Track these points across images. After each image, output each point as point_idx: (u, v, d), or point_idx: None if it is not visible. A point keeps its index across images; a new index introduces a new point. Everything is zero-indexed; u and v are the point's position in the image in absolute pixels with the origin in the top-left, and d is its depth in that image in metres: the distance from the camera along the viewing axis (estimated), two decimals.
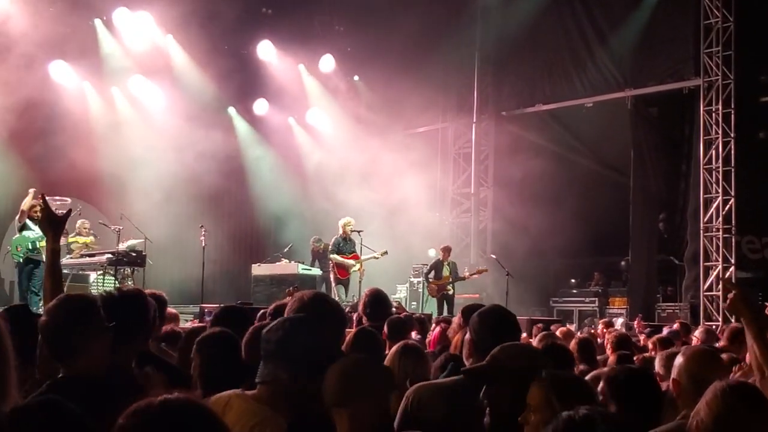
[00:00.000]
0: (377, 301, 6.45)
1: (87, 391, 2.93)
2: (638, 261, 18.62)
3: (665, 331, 9.68)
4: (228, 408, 2.94)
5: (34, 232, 13.60)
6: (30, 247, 13.60)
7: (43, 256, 13.72)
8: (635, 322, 14.19)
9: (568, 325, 11.74)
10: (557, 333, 8.75)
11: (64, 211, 4.56)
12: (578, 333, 10.76)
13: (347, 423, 2.79)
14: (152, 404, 1.88)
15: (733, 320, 9.58)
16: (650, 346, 7.47)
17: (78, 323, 3.26)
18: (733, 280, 16.02)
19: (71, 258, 15.39)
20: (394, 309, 11.31)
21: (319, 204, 20.36)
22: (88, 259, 15.22)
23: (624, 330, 12.79)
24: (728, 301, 3.96)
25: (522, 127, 20.87)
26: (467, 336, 3.93)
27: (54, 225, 4.22)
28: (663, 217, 19.69)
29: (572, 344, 6.80)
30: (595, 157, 20.69)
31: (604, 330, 12.02)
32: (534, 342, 6.61)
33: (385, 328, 5.93)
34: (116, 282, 14.79)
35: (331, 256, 15.80)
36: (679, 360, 3.72)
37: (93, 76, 18.28)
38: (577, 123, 19.95)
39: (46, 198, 4.49)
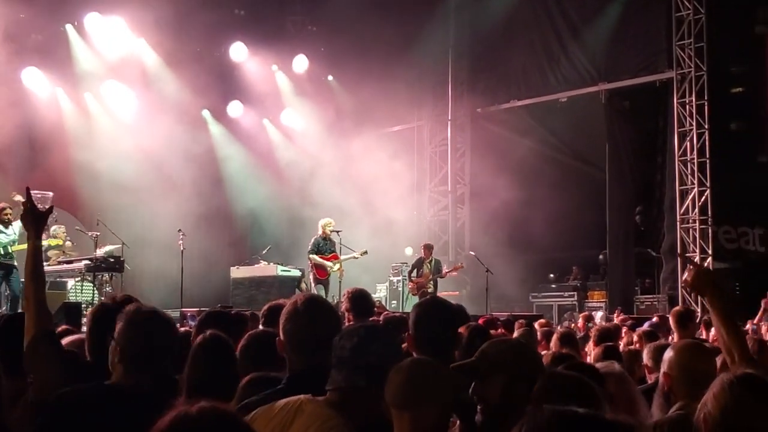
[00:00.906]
0: (360, 298, 6.44)
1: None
2: (616, 254, 18.74)
3: (646, 325, 9.72)
4: (299, 412, 2.91)
5: (6, 235, 13.40)
6: (2, 252, 13.31)
7: (15, 261, 13.59)
8: (615, 315, 14.27)
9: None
10: (536, 326, 8.82)
11: (46, 206, 4.47)
12: (557, 327, 10.83)
13: (408, 426, 2.71)
14: (189, 414, 1.87)
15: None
16: (635, 338, 7.51)
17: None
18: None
19: (48, 265, 15.23)
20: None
21: (296, 205, 20.32)
22: (65, 266, 15.10)
23: (604, 323, 12.86)
24: (689, 277, 3.79)
25: (497, 124, 20.93)
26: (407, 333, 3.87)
27: (36, 220, 4.15)
28: (639, 209, 19.80)
29: (554, 339, 6.83)
30: (571, 151, 20.80)
31: (584, 324, 12.13)
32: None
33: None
34: (95, 288, 14.68)
35: (311, 256, 15.75)
36: (669, 354, 3.77)
37: (65, 82, 18.14)
38: (552, 118, 20.02)
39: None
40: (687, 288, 4.57)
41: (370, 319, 6.17)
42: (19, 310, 11.62)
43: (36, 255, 4.09)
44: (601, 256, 20.07)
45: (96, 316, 3.87)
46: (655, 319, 10.94)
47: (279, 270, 16.56)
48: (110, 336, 3.35)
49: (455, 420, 2.88)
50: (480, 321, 8.41)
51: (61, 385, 3.28)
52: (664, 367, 3.71)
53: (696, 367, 3.60)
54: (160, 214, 18.73)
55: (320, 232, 15.85)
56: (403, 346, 4.08)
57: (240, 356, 3.94)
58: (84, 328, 4.39)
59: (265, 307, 5.25)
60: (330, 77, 21.65)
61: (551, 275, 20.88)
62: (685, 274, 3.94)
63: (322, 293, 15.49)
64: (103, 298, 13.47)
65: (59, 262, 15.30)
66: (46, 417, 3.11)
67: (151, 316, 3.43)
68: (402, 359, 3.00)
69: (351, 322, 6.55)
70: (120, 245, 15.73)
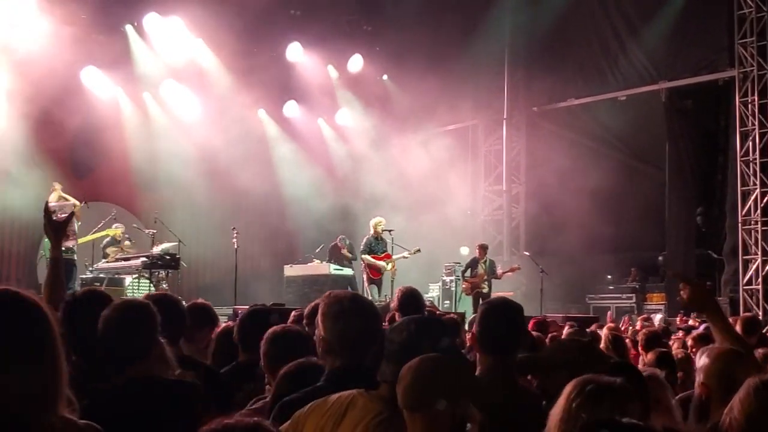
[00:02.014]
0: (410, 297, 6.40)
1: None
2: (676, 256, 18.39)
3: (702, 327, 9.45)
4: (351, 405, 2.90)
5: None
6: (63, 248, 13.61)
7: (75, 256, 13.90)
8: (678, 319, 13.95)
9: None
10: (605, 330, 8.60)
11: (65, 215, 4.53)
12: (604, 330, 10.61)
13: (421, 429, 2.60)
14: (228, 426, 1.90)
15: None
16: (690, 342, 7.31)
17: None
18: None
19: (107, 262, 15.56)
20: (427, 309, 11.24)
21: (350, 204, 20.35)
22: (123, 263, 15.37)
23: (662, 326, 12.59)
24: (686, 294, 3.77)
25: (554, 123, 20.70)
26: (473, 331, 3.84)
27: (56, 231, 4.18)
28: (700, 210, 19.41)
29: (602, 342, 6.67)
30: (630, 151, 20.45)
31: (634, 327, 11.85)
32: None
33: None
34: (151, 285, 14.89)
35: (363, 256, 15.75)
36: (704, 361, 3.54)
37: (125, 82, 18.40)
38: (611, 117, 19.71)
39: (48, 204, 4.43)
40: (685, 306, 4.49)
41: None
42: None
43: (55, 266, 4.12)
44: (660, 258, 19.70)
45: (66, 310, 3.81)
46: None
47: (332, 269, 16.60)
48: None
49: (475, 416, 2.79)
50: (531, 323, 8.34)
51: None
52: (700, 377, 3.50)
53: (737, 377, 3.29)
54: (216, 213, 18.97)
55: (371, 231, 15.86)
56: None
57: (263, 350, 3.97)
58: None
59: (308, 308, 5.23)
60: (385, 76, 21.67)
61: (609, 276, 20.58)
62: (681, 292, 3.83)
63: (375, 293, 15.52)
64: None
65: (117, 259, 15.57)
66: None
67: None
68: (454, 354, 2.98)
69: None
70: (176, 243, 15.95)
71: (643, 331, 7.31)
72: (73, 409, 2.20)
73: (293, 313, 6.39)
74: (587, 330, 8.88)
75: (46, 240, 13.41)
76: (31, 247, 17.07)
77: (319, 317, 3.31)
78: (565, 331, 7.36)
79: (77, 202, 14.36)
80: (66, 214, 4.42)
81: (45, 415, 2.03)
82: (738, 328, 7.18)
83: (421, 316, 3.13)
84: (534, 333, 7.07)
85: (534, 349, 5.43)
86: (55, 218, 4.25)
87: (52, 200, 13.90)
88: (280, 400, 3.23)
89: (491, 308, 3.80)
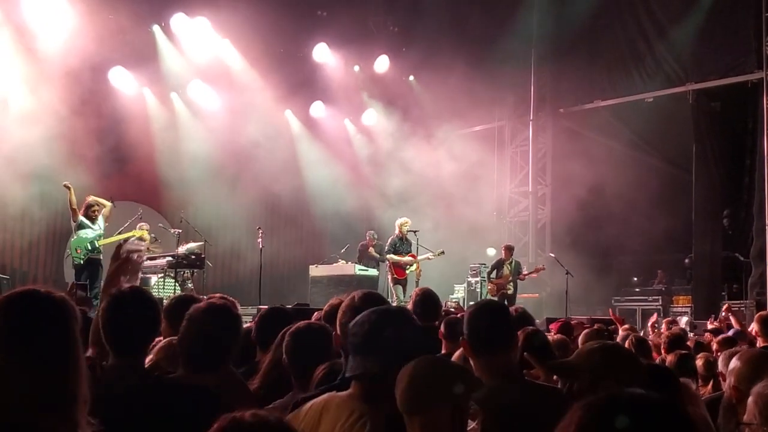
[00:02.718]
0: (424, 298, 6.41)
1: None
2: (702, 258, 18.26)
3: (731, 332, 9.35)
4: (325, 410, 2.88)
5: (93, 230, 13.82)
6: (90, 247, 13.74)
7: (102, 255, 14.01)
8: (708, 322, 13.81)
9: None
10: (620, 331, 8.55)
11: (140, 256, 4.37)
12: (641, 332, 10.54)
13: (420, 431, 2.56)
14: (243, 420, 1.88)
15: None
16: (715, 346, 7.27)
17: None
18: None
19: None
20: (451, 309, 11.24)
21: (375, 204, 20.37)
22: (148, 263, 15.39)
23: (688, 329, 12.50)
24: None
25: (580, 124, 20.62)
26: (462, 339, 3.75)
27: (119, 270, 4.12)
28: (727, 213, 19.25)
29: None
30: (657, 152, 20.32)
31: (667, 329, 11.75)
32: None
33: (442, 328, 5.86)
34: (177, 285, 14.98)
35: (388, 256, 15.77)
36: (735, 363, 3.53)
37: (152, 82, 18.52)
38: (638, 119, 19.59)
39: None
40: None
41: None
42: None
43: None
44: (687, 260, 19.57)
45: None
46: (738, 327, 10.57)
47: (357, 269, 16.62)
48: None
49: (478, 412, 2.76)
50: (555, 325, 8.31)
51: None
52: (731, 379, 3.49)
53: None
54: (242, 213, 19.06)
55: (397, 231, 15.87)
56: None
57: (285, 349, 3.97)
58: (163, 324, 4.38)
59: (326, 306, 5.24)
60: (411, 77, 21.66)
61: (635, 279, 20.47)
62: None
63: (401, 293, 15.52)
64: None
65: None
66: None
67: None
68: (420, 339, 2.94)
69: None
70: (202, 242, 16.02)
71: (666, 333, 7.25)
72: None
73: (315, 315, 6.42)
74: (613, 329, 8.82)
75: (73, 239, 13.70)
76: (58, 246, 17.23)
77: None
78: (583, 333, 7.27)
79: (108, 203, 14.48)
80: (140, 254, 4.22)
81: (56, 417, 2.04)
82: (756, 326, 7.14)
83: (381, 306, 3.05)
84: (557, 336, 7.05)
85: (551, 351, 5.43)
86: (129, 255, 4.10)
87: (72, 203, 14.00)
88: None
89: (475, 311, 3.75)
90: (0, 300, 2.15)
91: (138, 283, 4.12)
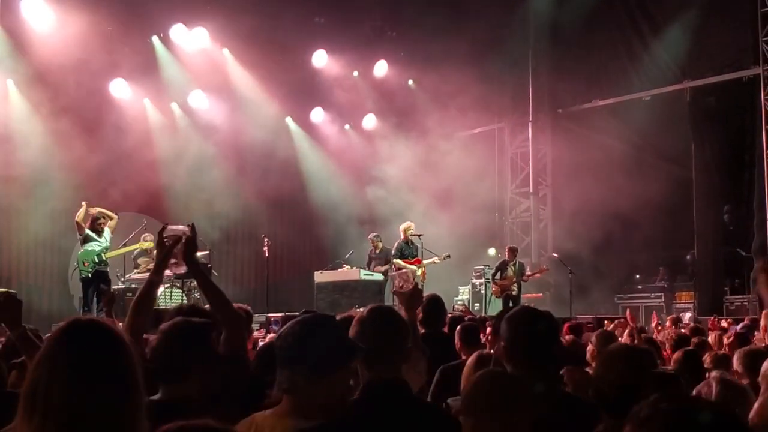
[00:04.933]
0: (434, 305, 6.48)
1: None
2: (704, 254, 18.38)
3: (739, 327, 9.41)
4: (253, 427, 2.86)
5: (99, 243, 13.86)
6: (96, 260, 13.77)
7: (108, 268, 14.06)
8: (710, 322, 13.88)
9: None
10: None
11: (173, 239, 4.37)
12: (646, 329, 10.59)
13: None
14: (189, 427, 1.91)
15: None
16: (725, 341, 7.33)
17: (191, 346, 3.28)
18: None
19: (138, 273, 15.65)
20: (459, 311, 11.32)
21: (378, 209, 20.42)
22: None
23: (692, 324, 12.56)
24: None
25: (579, 124, 20.71)
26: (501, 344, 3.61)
27: (165, 254, 4.14)
28: (727, 208, 19.34)
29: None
30: (656, 150, 20.38)
31: (671, 326, 11.81)
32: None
33: (458, 334, 5.94)
34: (183, 295, 15.01)
35: (395, 261, 15.84)
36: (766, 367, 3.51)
37: (152, 92, 18.58)
38: (636, 117, 19.69)
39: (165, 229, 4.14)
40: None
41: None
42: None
43: (150, 287, 4.10)
44: (688, 257, 19.68)
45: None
46: (746, 321, 10.66)
47: (362, 274, 16.61)
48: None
49: None
50: (565, 326, 8.39)
51: None
52: (763, 384, 3.45)
53: None
54: (246, 220, 19.11)
55: (401, 236, 15.94)
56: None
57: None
58: None
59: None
60: (410, 81, 21.73)
61: (637, 276, 20.56)
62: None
63: None
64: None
65: (149, 270, 15.60)
66: None
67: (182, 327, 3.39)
68: (348, 345, 2.87)
69: (422, 331, 6.63)
70: (207, 251, 16.02)
71: (672, 335, 7.26)
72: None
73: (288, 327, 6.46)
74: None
75: (80, 252, 13.73)
76: (65, 259, 17.27)
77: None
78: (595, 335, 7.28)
79: (113, 215, 14.53)
80: (173, 239, 4.20)
81: None
82: (764, 321, 7.21)
83: (304, 316, 3.00)
84: (569, 336, 7.14)
85: (569, 353, 5.50)
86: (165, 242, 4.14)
87: (79, 217, 14.08)
88: None
89: (518, 319, 3.60)
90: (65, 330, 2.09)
91: (183, 266, 4.13)
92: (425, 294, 6.47)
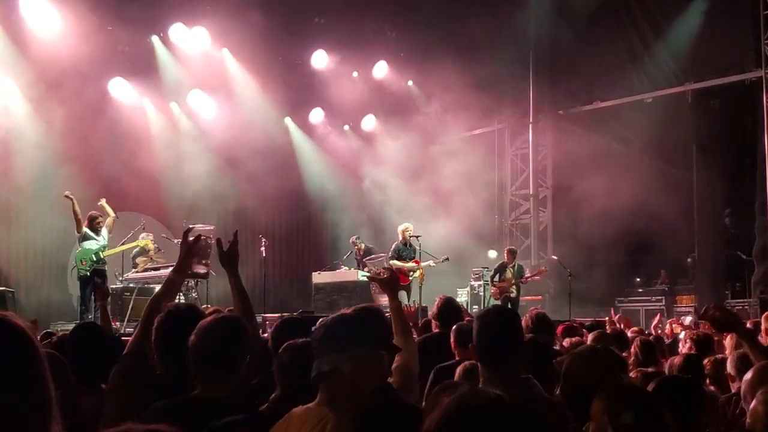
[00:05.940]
0: (450, 307, 6.52)
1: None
2: (705, 257, 18.31)
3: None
4: (290, 425, 2.86)
5: (97, 241, 13.82)
6: (94, 259, 13.73)
7: (106, 266, 14.03)
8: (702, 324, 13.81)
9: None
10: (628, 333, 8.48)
11: (230, 240, 4.44)
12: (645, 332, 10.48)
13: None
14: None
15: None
16: (725, 345, 7.21)
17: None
18: None
19: (136, 272, 15.64)
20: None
21: (377, 210, 20.37)
22: (153, 273, 15.42)
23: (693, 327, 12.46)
24: (715, 322, 3.98)
25: (580, 126, 20.62)
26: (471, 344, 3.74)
27: (229, 260, 4.20)
28: (729, 212, 19.28)
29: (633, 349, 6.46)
30: (657, 152, 20.28)
31: (671, 329, 11.73)
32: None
33: (453, 335, 5.87)
34: (181, 294, 14.95)
35: (392, 262, 15.76)
36: (748, 375, 3.51)
37: (152, 92, 18.55)
38: (637, 119, 19.62)
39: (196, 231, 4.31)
40: (719, 329, 4.64)
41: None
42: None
43: (238, 287, 4.19)
44: (689, 260, 19.58)
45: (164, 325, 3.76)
46: (748, 324, 10.55)
47: (360, 275, 16.56)
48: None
49: None
50: (559, 328, 8.27)
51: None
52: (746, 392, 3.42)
53: None
54: (244, 221, 19.04)
55: (400, 237, 15.86)
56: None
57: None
58: None
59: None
60: (410, 82, 21.66)
61: (638, 279, 20.47)
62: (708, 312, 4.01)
63: (404, 299, 15.48)
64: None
65: (147, 269, 15.65)
66: None
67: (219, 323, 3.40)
68: (366, 334, 2.91)
69: (437, 330, 6.62)
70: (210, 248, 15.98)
71: (691, 332, 7.12)
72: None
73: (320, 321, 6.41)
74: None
75: (78, 251, 13.71)
76: (62, 258, 17.21)
77: None
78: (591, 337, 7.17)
79: (112, 213, 14.50)
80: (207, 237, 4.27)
81: None
82: (765, 324, 7.16)
83: (340, 313, 3.04)
84: (563, 339, 7.05)
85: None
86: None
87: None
88: None
89: (484, 318, 3.74)
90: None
91: (209, 265, 4.29)
92: (424, 294, 6.49)
